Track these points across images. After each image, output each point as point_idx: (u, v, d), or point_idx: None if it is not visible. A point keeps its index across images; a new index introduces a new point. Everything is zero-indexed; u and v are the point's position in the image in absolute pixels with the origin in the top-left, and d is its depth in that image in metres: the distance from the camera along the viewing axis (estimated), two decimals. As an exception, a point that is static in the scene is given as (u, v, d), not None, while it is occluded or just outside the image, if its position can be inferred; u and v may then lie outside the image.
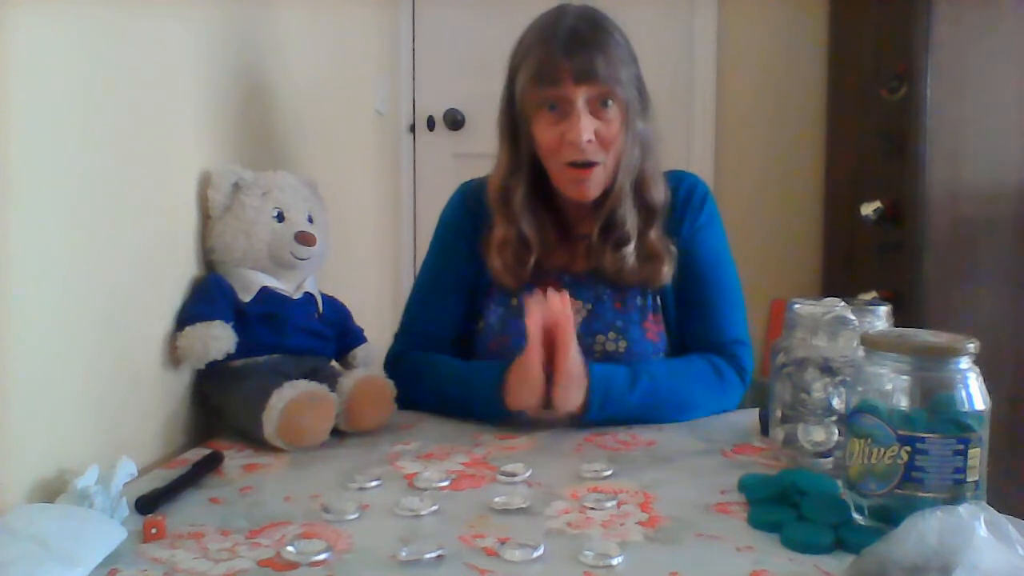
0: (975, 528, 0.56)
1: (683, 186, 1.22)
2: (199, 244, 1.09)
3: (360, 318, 1.25)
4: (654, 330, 1.18)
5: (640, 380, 1.07)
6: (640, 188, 1.16)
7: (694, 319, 1.19)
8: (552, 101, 1.09)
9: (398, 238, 2.74)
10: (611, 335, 1.16)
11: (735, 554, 0.68)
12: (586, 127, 1.08)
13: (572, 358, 1.02)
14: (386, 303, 2.41)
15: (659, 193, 1.17)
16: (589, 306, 1.18)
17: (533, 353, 1.00)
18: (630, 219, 1.15)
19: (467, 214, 1.24)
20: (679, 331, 1.20)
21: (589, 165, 1.10)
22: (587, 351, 1.13)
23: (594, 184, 1.12)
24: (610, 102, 1.10)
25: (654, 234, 1.16)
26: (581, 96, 1.08)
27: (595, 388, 1.04)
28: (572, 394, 1.03)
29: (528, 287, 1.19)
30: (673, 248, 1.17)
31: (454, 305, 1.23)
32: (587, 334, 1.15)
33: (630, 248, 1.15)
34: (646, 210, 1.17)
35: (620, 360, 1.14)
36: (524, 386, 1.02)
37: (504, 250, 1.17)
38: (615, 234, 1.15)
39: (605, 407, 1.05)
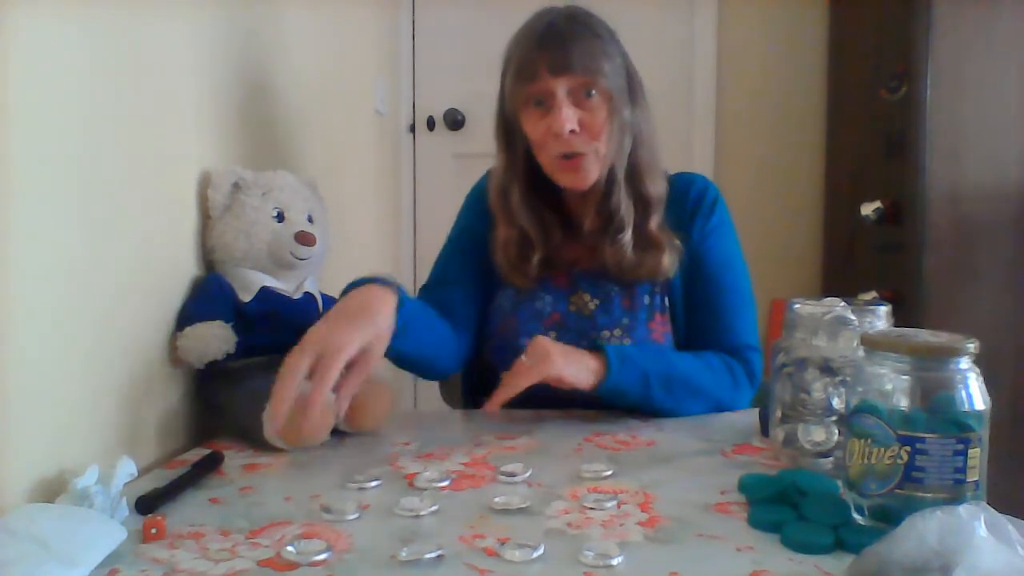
0: (975, 528, 0.56)
1: (694, 188, 1.23)
2: (199, 244, 1.09)
3: (360, 318, 1.25)
4: (660, 330, 1.18)
5: (651, 351, 1.09)
6: (634, 178, 1.16)
7: (705, 323, 1.19)
8: (536, 97, 1.11)
9: (398, 238, 2.74)
10: (616, 332, 1.16)
11: (735, 554, 0.68)
12: (568, 117, 1.09)
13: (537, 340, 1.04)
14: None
15: (655, 185, 1.18)
16: (597, 301, 1.18)
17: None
18: (624, 207, 1.15)
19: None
20: (687, 334, 1.20)
21: (577, 155, 1.11)
22: (591, 345, 1.13)
23: (587, 171, 1.13)
24: (593, 92, 1.10)
25: (653, 224, 1.17)
26: (561, 88, 1.09)
27: (609, 351, 1.04)
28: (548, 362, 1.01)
29: (540, 281, 1.20)
30: (677, 241, 1.18)
31: (475, 264, 1.24)
32: (592, 329, 1.16)
33: (626, 237, 1.15)
34: (642, 201, 1.17)
35: None
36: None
37: (508, 249, 1.18)
38: (611, 224, 1.16)
39: (623, 367, 1.04)
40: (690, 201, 1.21)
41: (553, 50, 1.09)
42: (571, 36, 1.10)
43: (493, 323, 1.22)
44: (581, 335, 1.16)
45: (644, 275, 1.17)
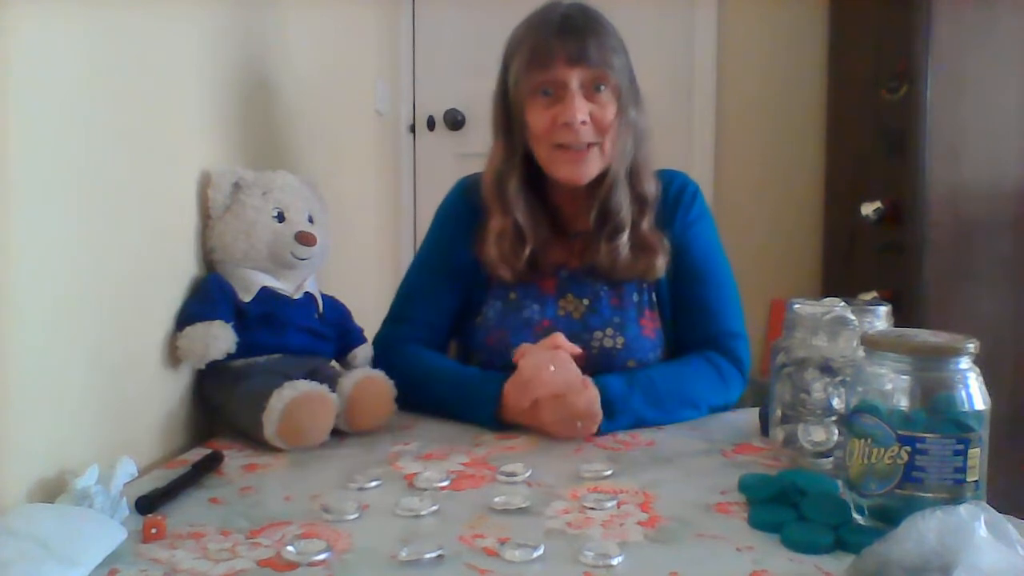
0: (975, 528, 0.56)
1: (674, 184, 1.23)
2: (199, 244, 1.09)
3: (360, 318, 1.25)
4: (651, 327, 1.18)
5: (640, 381, 1.08)
6: (633, 178, 1.17)
7: (688, 314, 1.19)
8: (546, 85, 1.11)
9: (398, 238, 2.74)
10: (608, 331, 1.16)
11: (735, 554, 0.68)
12: (580, 107, 1.09)
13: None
14: (386, 303, 2.40)
15: (651, 185, 1.19)
16: (586, 302, 1.18)
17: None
18: (624, 207, 1.16)
19: (466, 207, 1.24)
20: (675, 328, 1.20)
21: (582, 148, 1.11)
22: (584, 347, 1.13)
23: (588, 166, 1.13)
24: (603, 86, 1.11)
25: (646, 225, 1.18)
26: (575, 78, 1.10)
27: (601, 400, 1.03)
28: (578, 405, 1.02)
29: (525, 289, 1.19)
30: (666, 242, 1.18)
31: (449, 294, 1.23)
32: (584, 330, 1.16)
33: (624, 238, 1.15)
34: (639, 201, 1.18)
35: (617, 356, 1.15)
36: (522, 393, 1.02)
37: (501, 240, 1.17)
38: (609, 223, 1.16)
39: (614, 420, 1.04)
40: (671, 196, 1.22)
41: (570, 40, 1.09)
42: (588, 28, 1.11)
43: (480, 336, 1.21)
44: (573, 338, 1.15)
45: (635, 275, 1.17)
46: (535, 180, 1.19)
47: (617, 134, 1.13)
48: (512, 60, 1.15)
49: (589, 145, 1.12)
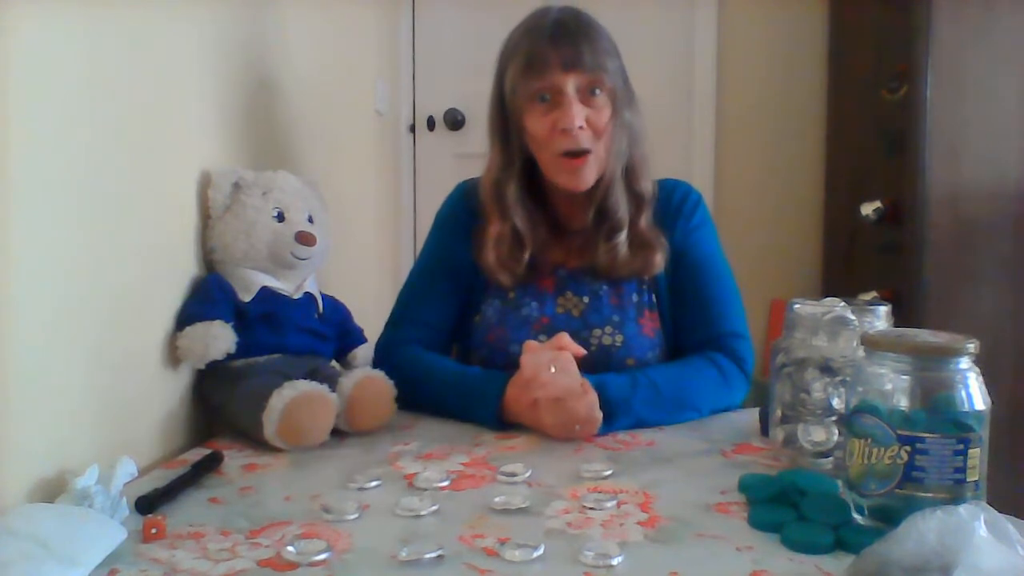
0: (975, 528, 0.56)
1: (677, 193, 1.25)
2: (199, 244, 1.09)
3: (360, 318, 1.25)
4: (650, 326, 1.19)
5: (639, 383, 1.07)
6: (629, 177, 1.18)
7: (689, 315, 1.20)
8: (543, 91, 1.12)
9: (398, 238, 2.74)
10: (607, 329, 1.16)
11: (735, 554, 0.68)
12: (578, 113, 1.10)
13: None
14: (386, 303, 2.40)
15: (647, 183, 1.20)
16: (586, 300, 1.19)
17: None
18: (622, 206, 1.17)
19: (466, 210, 1.25)
20: (675, 330, 1.20)
21: (582, 153, 1.12)
22: (583, 345, 1.13)
23: (588, 173, 1.14)
24: (598, 90, 1.12)
25: (644, 222, 1.19)
26: (571, 83, 1.10)
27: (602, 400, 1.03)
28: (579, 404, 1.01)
29: (524, 288, 1.20)
30: (664, 240, 1.19)
31: (450, 296, 1.24)
32: (583, 328, 1.16)
33: (622, 236, 1.17)
34: (636, 199, 1.19)
35: (616, 354, 1.15)
36: (525, 392, 1.03)
37: (500, 245, 1.18)
38: (608, 222, 1.17)
39: (612, 423, 1.04)
40: (673, 205, 1.23)
41: (565, 46, 1.10)
42: (581, 33, 1.11)
43: (480, 335, 1.21)
44: (572, 335, 1.15)
45: (634, 272, 1.18)
46: (532, 181, 1.19)
47: (612, 136, 1.14)
48: (507, 67, 1.16)
49: (587, 152, 1.12)
